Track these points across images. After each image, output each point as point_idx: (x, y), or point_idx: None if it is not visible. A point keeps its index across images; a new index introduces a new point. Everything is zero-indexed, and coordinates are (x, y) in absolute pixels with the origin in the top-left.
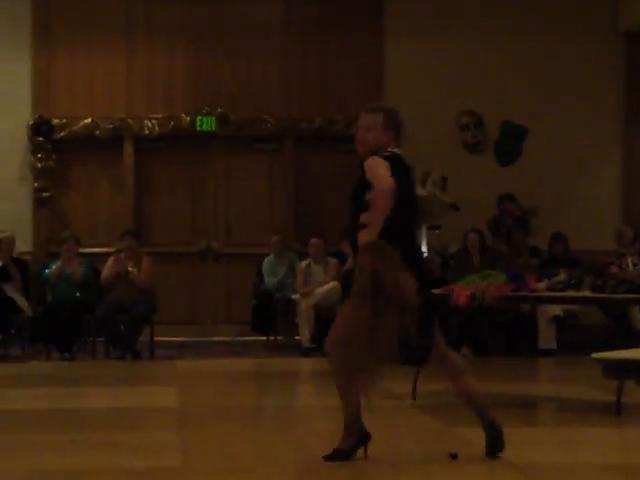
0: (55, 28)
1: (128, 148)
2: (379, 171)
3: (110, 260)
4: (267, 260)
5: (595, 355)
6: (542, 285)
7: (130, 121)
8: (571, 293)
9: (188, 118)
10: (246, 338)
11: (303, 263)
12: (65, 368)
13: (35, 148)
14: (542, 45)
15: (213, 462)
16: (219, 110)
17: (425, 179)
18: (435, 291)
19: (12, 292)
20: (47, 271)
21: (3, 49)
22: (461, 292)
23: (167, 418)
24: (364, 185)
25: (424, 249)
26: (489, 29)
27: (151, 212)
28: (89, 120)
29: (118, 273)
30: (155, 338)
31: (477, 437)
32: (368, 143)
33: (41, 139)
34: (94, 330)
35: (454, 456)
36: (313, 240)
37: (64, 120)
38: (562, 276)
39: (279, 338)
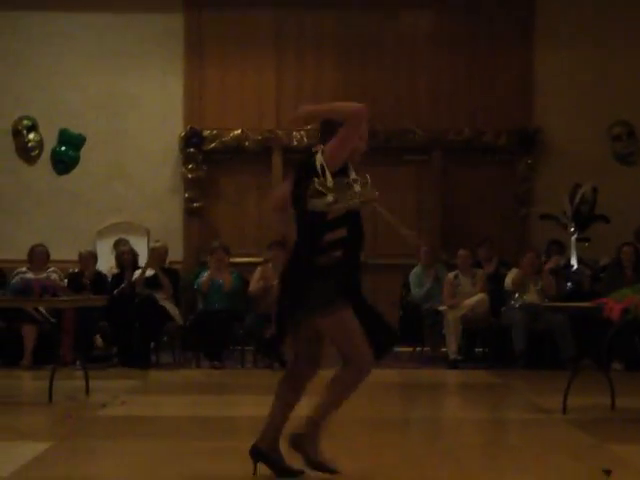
0: (207, 42)
1: (277, 159)
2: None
3: (257, 272)
4: (414, 271)
5: None
6: None
7: (279, 132)
8: None
9: None
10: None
11: (451, 274)
12: (215, 376)
13: (186, 159)
14: None
15: (363, 472)
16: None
17: (575, 191)
18: (586, 304)
19: (163, 300)
20: (199, 280)
21: (157, 63)
22: (614, 306)
23: None
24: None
25: (574, 262)
26: None
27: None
28: (239, 131)
29: (265, 288)
30: None
31: (631, 454)
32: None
33: (192, 150)
34: (243, 339)
35: (608, 472)
36: (461, 251)
37: (214, 131)
38: None
39: (426, 349)
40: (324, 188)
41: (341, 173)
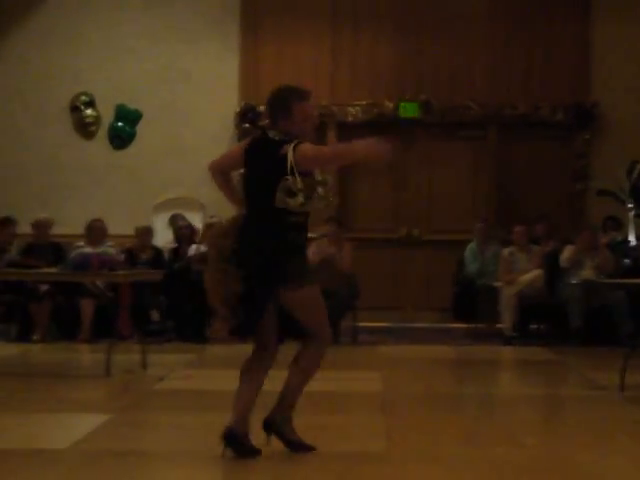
0: (262, 17)
1: (332, 135)
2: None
3: (312, 246)
4: (470, 247)
5: None
6: None
7: (334, 108)
8: None
9: (392, 105)
10: (447, 325)
11: (506, 251)
12: None
13: (242, 135)
14: None
15: (418, 448)
16: (423, 97)
17: (633, 167)
18: None
19: None
20: None
21: (213, 39)
22: None
23: (371, 403)
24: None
25: (631, 238)
26: None
27: (353, 198)
28: None
29: (323, 259)
30: (357, 323)
31: None
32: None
33: (247, 126)
34: None
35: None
36: (517, 228)
37: None
38: None
39: (480, 326)
40: (295, 188)
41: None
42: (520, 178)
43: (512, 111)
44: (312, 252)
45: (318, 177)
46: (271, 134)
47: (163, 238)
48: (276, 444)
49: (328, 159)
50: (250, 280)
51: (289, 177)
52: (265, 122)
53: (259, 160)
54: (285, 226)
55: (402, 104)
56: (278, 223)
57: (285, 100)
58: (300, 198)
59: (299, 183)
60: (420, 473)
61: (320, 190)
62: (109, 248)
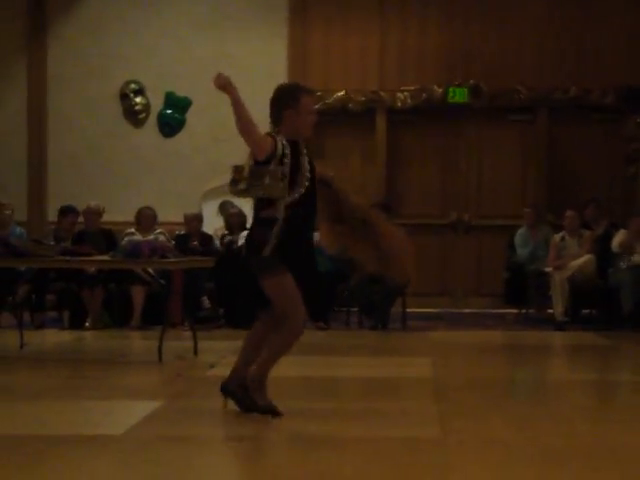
0: (311, 4)
1: (380, 120)
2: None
3: None
4: (519, 232)
5: None
6: None
7: (382, 93)
8: None
9: (440, 90)
10: (497, 310)
11: (557, 236)
12: (320, 337)
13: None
14: None
15: (471, 433)
16: (471, 81)
17: None
18: None
19: None
20: None
21: (261, 26)
22: None
23: (423, 388)
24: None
25: None
26: None
27: (402, 184)
28: (343, 93)
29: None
30: (407, 309)
31: None
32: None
33: None
34: (348, 300)
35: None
36: (568, 212)
37: (318, 93)
38: None
39: (531, 311)
40: (239, 175)
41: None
42: (570, 162)
43: (562, 95)
44: None
45: (271, 167)
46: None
47: (213, 225)
48: (334, 433)
49: (240, 127)
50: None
51: (238, 166)
52: None
53: None
54: (255, 220)
55: (451, 89)
56: (255, 207)
57: (294, 91)
58: (241, 185)
59: (245, 171)
60: (475, 459)
61: (266, 179)
62: (159, 235)
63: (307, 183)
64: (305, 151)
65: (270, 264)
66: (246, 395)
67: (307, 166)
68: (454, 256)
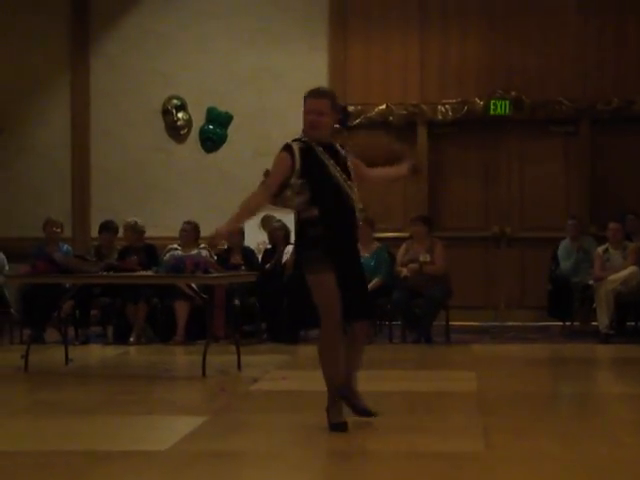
0: (351, 17)
1: (422, 133)
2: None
3: (403, 248)
4: (562, 244)
5: None
6: None
7: (424, 106)
8: None
9: (482, 102)
10: (541, 323)
11: (600, 248)
12: (364, 351)
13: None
14: None
15: (516, 448)
16: (513, 93)
17: None
18: None
19: None
20: None
21: (301, 39)
22: None
23: (467, 403)
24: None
25: None
26: None
27: (444, 197)
28: (383, 106)
29: (411, 260)
30: (450, 322)
31: None
32: (324, 127)
33: (337, 126)
34: (391, 314)
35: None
36: (612, 225)
37: (359, 107)
38: None
39: (576, 324)
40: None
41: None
42: (613, 173)
43: (604, 106)
44: (401, 254)
45: (292, 180)
46: None
47: (255, 239)
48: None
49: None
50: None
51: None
52: (354, 121)
53: None
54: (298, 222)
55: (492, 101)
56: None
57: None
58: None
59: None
60: (520, 474)
61: (288, 192)
62: (202, 250)
63: (335, 189)
64: (338, 155)
65: (313, 262)
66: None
67: (335, 173)
68: (497, 269)
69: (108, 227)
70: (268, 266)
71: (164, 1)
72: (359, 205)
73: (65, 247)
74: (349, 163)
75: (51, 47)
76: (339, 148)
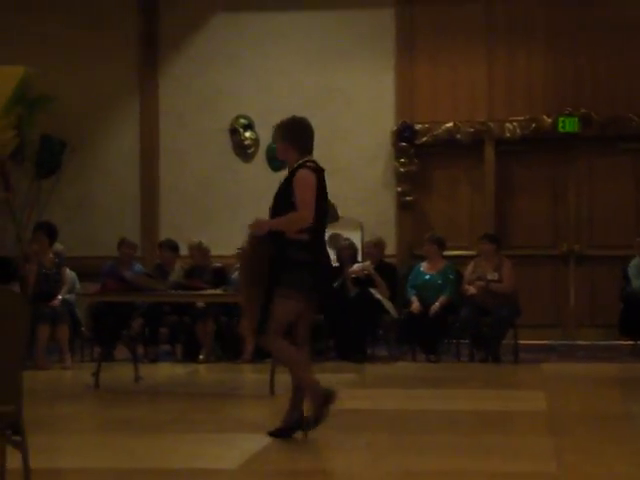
0: (418, 36)
1: (489, 151)
2: (307, 196)
3: (470, 266)
4: (633, 262)
5: None
6: None
7: (491, 124)
8: None
9: (550, 119)
10: (611, 342)
11: None
12: (430, 370)
13: (398, 153)
14: None
15: (588, 469)
16: (582, 110)
17: None
18: None
19: (379, 294)
20: (412, 275)
21: (368, 59)
22: None
23: (537, 422)
24: (289, 189)
25: None
26: None
27: (511, 214)
28: (451, 124)
29: (479, 278)
30: (519, 341)
31: None
32: (281, 155)
33: (404, 144)
34: (458, 332)
35: None
36: None
37: (426, 125)
38: None
39: None
40: None
41: None
42: None
43: None
44: (469, 271)
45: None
46: None
47: None
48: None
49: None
50: None
51: None
52: (422, 140)
53: None
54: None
55: (561, 118)
56: None
57: None
58: None
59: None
60: None
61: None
62: None
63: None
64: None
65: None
66: None
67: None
68: (566, 287)
69: (169, 245)
70: (336, 285)
71: (232, 21)
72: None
73: (137, 266)
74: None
75: (120, 67)
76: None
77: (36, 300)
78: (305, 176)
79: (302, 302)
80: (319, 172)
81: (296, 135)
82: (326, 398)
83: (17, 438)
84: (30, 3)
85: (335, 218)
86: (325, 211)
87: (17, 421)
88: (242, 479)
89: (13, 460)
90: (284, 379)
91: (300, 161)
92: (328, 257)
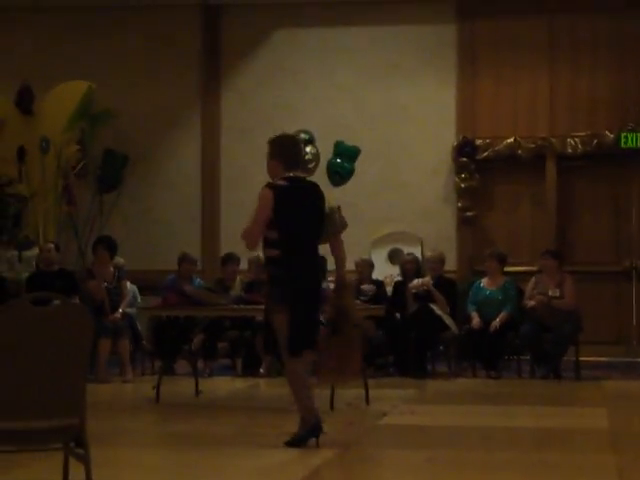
0: (480, 51)
1: (550, 167)
2: (257, 213)
3: (532, 282)
4: None
5: None
6: None
7: (553, 140)
8: None
9: (612, 135)
10: None
11: None
12: (491, 386)
13: (459, 169)
14: None
15: None
16: None
17: None
18: None
19: (439, 310)
20: (473, 291)
21: (430, 74)
22: None
23: (599, 440)
24: None
25: None
26: None
27: (573, 231)
28: (512, 140)
29: (540, 294)
30: (580, 358)
31: None
32: (269, 172)
33: (465, 159)
34: (519, 348)
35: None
36: None
37: (487, 140)
38: None
39: None
40: None
41: None
42: None
43: None
44: (530, 288)
45: None
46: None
47: (382, 273)
48: None
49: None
50: None
51: None
52: (482, 155)
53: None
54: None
55: (623, 134)
56: None
57: None
58: None
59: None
60: None
61: None
62: (329, 283)
63: None
64: None
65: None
66: None
67: None
68: (628, 303)
69: (231, 259)
70: (397, 300)
71: (294, 36)
72: None
73: (197, 281)
74: None
75: (183, 82)
76: None
77: (97, 314)
78: (261, 194)
79: (287, 315)
80: (283, 188)
81: (283, 151)
82: (312, 430)
83: (80, 451)
84: (94, 21)
85: (343, 226)
86: (304, 225)
87: (80, 434)
88: None
89: (77, 473)
90: (344, 394)
91: (278, 177)
92: (308, 271)
